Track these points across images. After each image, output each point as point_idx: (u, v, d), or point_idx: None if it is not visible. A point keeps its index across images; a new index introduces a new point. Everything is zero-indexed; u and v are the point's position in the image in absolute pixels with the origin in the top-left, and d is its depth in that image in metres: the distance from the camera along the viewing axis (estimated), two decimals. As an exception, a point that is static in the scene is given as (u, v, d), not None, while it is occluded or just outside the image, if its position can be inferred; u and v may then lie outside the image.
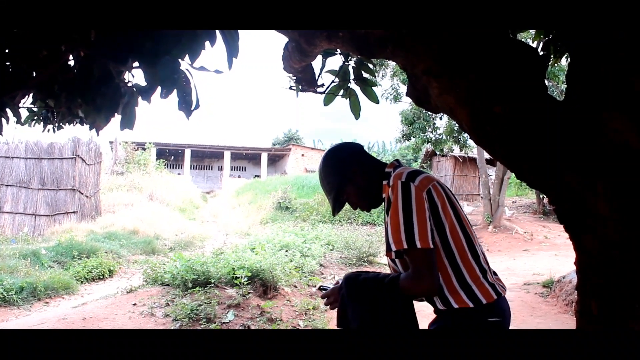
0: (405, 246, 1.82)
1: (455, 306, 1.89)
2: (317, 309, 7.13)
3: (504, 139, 2.00)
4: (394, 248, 1.86)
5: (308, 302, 7.28)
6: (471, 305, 1.88)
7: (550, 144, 1.90)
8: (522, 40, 11.65)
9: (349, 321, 2.03)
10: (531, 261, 12.58)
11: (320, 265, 10.32)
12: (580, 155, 1.84)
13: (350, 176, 2.14)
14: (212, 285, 7.12)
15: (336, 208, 2.22)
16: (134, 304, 6.87)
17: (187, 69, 2.03)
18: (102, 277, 10.01)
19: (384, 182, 2.07)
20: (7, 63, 2.33)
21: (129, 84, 2.44)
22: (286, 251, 10.00)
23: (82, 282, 9.43)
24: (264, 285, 7.30)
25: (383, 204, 2.09)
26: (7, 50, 2.29)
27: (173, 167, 38.93)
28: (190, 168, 39.84)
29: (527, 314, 7.17)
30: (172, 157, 39.56)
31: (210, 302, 6.59)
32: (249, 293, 7.01)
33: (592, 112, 1.79)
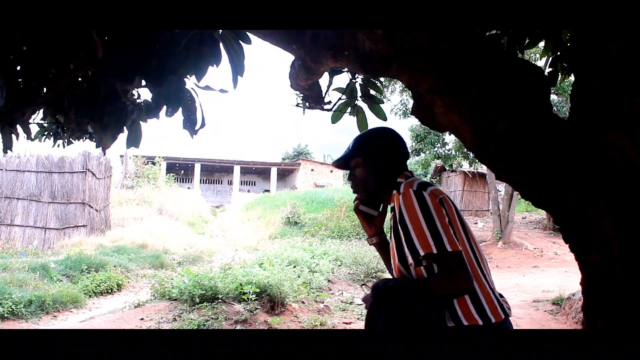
0: (435, 250, 1.82)
1: (465, 323, 1.87)
2: (324, 325, 7.10)
3: (508, 157, 2.00)
4: (422, 252, 1.85)
5: (316, 318, 7.24)
6: (480, 322, 1.86)
7: (553, 162, 1.90)
8: (530, 56, 11.63)
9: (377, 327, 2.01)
10: (541, 278, 12.47)
11: (329, 281, 10.27)
12: (583, 173, 1.84)
13: (372, 156, 2.16)
14: (220, 300, 7.11)
15: (339, 162, 2.26)
16: (141, 319, 6.87)
17: (192, 88, 2.05)
18: (110, 291, 10.02)
19: (395, 191, 2.03)
20: (18, 80, 2.37)
21: (138, 101, 2.47)
22: (294, 267, 9.97)
23: (90, 296, 9.45)
24: (271, 301, 7.27)
25: (391, 212, 2.08)
26: (17, 68, 2.32)
27: (183, 181, 39.04)
28: (200, 182, 39.96)
29: (537, 331, 7.10)
30: (182, 171, 39.75)
31: (218, 318, 6.57)
32: (256, 309, 6.99)
33: (595, 131, 1.79)
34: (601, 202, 1.81)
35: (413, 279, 1.98)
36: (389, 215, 2.20)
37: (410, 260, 1.92)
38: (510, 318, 2.01)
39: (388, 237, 2.26)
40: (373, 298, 2.03)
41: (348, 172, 2.34)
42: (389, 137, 2.22)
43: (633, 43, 1.61)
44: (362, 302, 2.17)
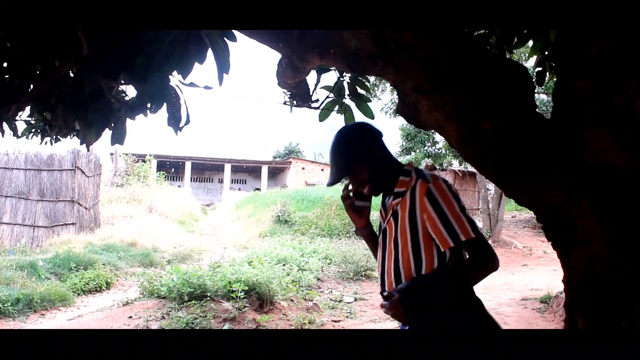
0: (473, 235, 1.88)
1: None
2: (313, 323, 7.11)
3: (492, 155, 2.01)
4: (463, 238, 1.88)
5: (304, 316, 7.25)
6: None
7: (537, 161, 1.91)
8: (519, 55, 11.61)
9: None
10: (530, 276, 12.52)
11: (318, 279, 10.29)
12: (567, 173, 1.85)
13: (369, 155, 2.13)
14: (209, 298, 7.11)
15: (336, 180, 2.20)
16: (130, 317, 6.85)
17: (177, 85, 2.05)
18: (99, 289, 9.98)
19: (402, 177, 2.06)
20: (4, 77, 2.36)
21: (126, 98, 2.46)
22: (284, 265, 9.97)
23: (78, 294, 9.40)
24: (260, 299, 7.28)
25: (393, 198, 2.07)
26: (4, 65, 2.31)
27: (173, 180, 38.84)
28: (191, 180, 39.79)
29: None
30: (173, 170, 39.55)
31: (206, 316, 6.57)
32: (245, 307, 6.99)
33: (578, 130, 1.80)
34: (584, 200, 1.82)
35: (439, 273, 1.99)
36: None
37: (450, 243, 1.91)
38: (497, 314, 2.08)
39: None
40: (400, 302, 1.99)
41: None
42: (365, 129, 2.20)
43: (613, 43, 1.62)
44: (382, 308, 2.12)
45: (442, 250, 1.96)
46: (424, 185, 1.96)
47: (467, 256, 1.95)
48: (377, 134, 2.20)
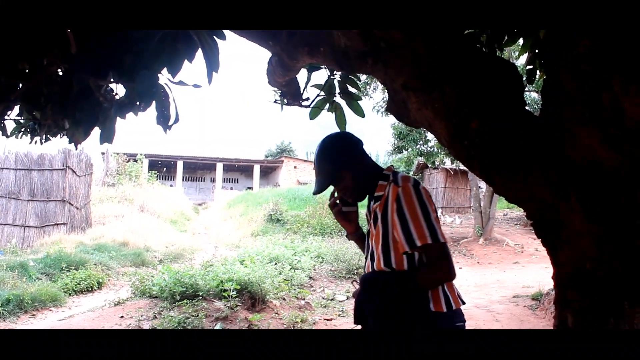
0: (430, 241, 1.98)
1: (432, 309, 2.02)
2: (305, 321, 7.12)
3: (481, 153, 2.02)
4: (418, 244, 1.99)
5: (296, 314, 7.26)
6: (445, 310, 2.02)
7: (526, 159, 1.92)
8: (510, 53, 11.63)
9: (366, 317, 2.18)
10: (521, 274, 12.57)
11: (310, 277, 10.30)
12: (555, 170, 1.86)
13: (353, 162, 2.27)
14: (200, 298, 7.10)
15: (322, 188, 2.33)
16: (121, 317, 6.84)
17: (165, 84, 2.04)
18: (90, 289, 9.95)
19: (381, 182, 2.19)
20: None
21: (116, 96, 2.45)
22: (275, 264, 9.98)
23: (70, 294, 9.37)
24: (252, 298, 7.28)
25: (374, 202, 2.20)
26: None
27: (165, 179, 38.76)
28: (183, 180, 39.72)
29: (515, 326, 7.17)
30: (164, 169, 39.47)
31: (198, 315, 6.57)
32: (237, 306, 6.99)
33: (566, 127, 1.81)
34: (572, 198, 1.83)
35: (399, 272, 2.10)
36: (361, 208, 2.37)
37: (405, 247, 2.03)
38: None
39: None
40: (361, 289, 2.21)
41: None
42: (348, 138, 2.36)
43: (601, 40, 1.63)
44: (353, 298, 2.33)
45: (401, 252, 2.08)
46: (394, 190, 2.10)
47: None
48: (359, 143, 2.35)
